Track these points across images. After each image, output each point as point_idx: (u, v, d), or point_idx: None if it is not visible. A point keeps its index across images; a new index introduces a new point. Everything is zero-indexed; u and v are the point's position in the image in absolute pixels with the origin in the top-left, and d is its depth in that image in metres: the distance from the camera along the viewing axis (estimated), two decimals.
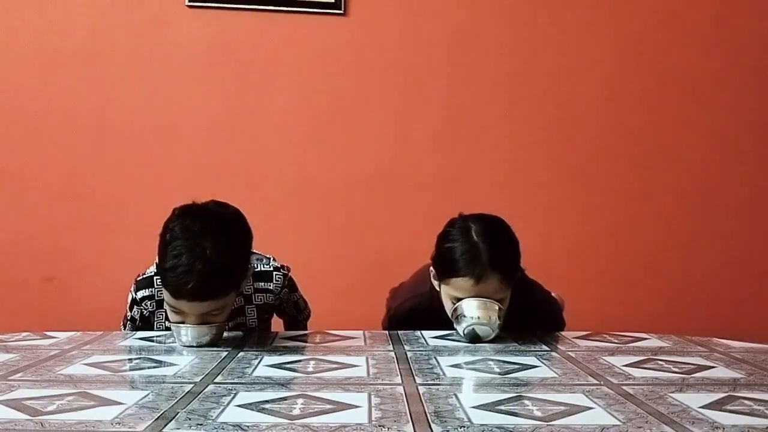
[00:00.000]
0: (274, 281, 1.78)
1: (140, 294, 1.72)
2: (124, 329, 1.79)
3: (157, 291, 1.69)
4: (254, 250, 1.73)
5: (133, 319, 1.76)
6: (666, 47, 2.96)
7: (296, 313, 1.91)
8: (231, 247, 1.51)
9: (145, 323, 1.76)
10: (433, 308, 1.73)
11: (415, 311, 1.80)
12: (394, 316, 1.86)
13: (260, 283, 1.76)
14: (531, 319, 1.74)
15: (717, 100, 2.98)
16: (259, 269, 1.76)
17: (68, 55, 2.76)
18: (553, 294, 1.94)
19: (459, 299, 1.62)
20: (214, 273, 1.46)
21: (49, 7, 2.75)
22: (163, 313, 1.69)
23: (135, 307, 1.74)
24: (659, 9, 2.95)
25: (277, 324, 1.96)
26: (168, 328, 1.70)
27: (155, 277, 1.69)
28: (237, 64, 2.82)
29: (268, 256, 1.81)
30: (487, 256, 1.59)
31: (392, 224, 2.87)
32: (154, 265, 1.66)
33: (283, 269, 1.81)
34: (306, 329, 1.94)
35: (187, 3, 2.77)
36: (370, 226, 2.87)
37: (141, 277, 1.73)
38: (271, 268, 1.79)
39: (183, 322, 1.52)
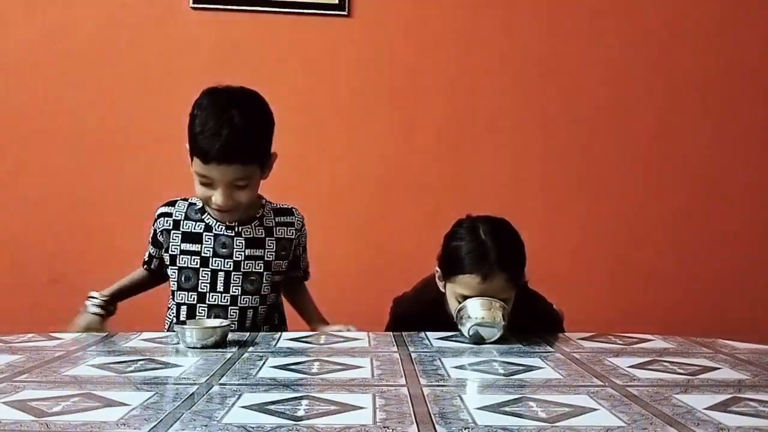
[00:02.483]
0: (295, 215, 1.87)
1: (161, 210, 1.82)
2: (143, 266, 1.89)
3: (176, 211, 1.80)
4: None
5: (150, 257, 1.87)
6: (671, 48, 2.96)
7: (307, 264, 1.96)
8: (256, 116, 1.68)
9: (159, 261, 1.85)
10: (438, 316, 1.74)
11: (421, 317, 1.80)
12: (399, 323, 1.86)
13: (281, 217, 1.84)
14: (534, 328, 1.74)
15: (723, 101, 2.97)
16: (278, 206, 1.86)
17: (72, 57, 2.77)
18: (554, 306, 1.94)
19: (465, 297, 1.62)
20: (241, 134, 1.60)
21: (53, 8, 2.76)
22: (179, 235, 1.78)
23: (154, 230, 1.82)
24: (664, 9, 2.95)
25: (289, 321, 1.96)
26: (171, 329, 1.71)
27: (179, 201, 1.83)
28: (241, 65, 2.82)
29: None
30: (494, 255, 1.61)
31: (397, 226, 2.87)
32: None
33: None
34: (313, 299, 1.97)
35: (191, 5, 2.77)
36: (375, 227, 2.88)
37: (168, 201, 1.85)
38: (291, 207, 1.89)
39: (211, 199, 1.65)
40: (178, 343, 1.54)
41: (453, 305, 1.66)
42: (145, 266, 1.89)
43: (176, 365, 1.34)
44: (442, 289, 1.73)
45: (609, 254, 2.94)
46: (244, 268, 1.78)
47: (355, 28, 2.85)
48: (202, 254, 1.78)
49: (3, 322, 2.64)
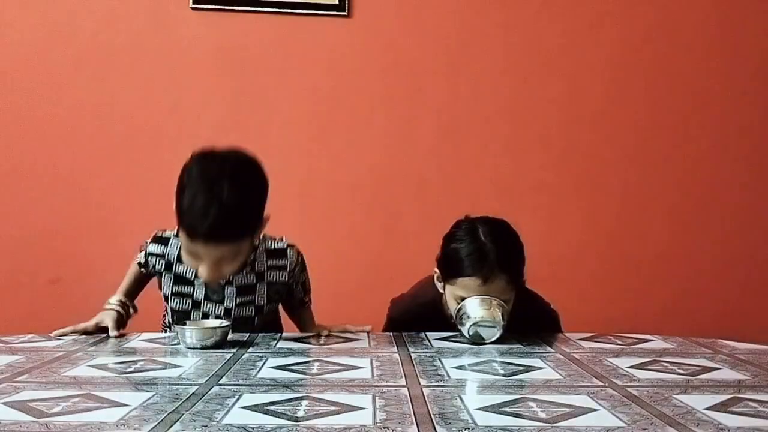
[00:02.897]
0: (289, 257, 1.76)
1: (153, 248, 1.72)
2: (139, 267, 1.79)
3: (169, 252, 1.71)
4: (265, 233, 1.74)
5: (141, 263, 1.78)
6: (668, 49, 2.96)
7: (303, 294, 1.88)
8: (247, 190, 1.53)
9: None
10: (437, 316, 1.73)
11: (418, 319, 1.79)
12: (397, 324, 1.85)
13: (274, 260, 1.74)
14: (532, 327, 1.74)
15: (720, 101, 2.97)
16: (272, 247, 1.75)
17: (72, 58, 2.77)
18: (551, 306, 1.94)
19: (464, 299, 1.62)
20: (230, 214, 1.47)
21: (53, 9, 2.76)
22: (171, 277, 1.72)
23: (146, 261, 1.75)
24: (661, 11, 2.95)
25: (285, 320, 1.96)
26: (168, 327, 1.71)
27: (172, 239, 1.70)
28: (240, 66, 2.82)
29: (276, 237, 1.81)
30: (494, 257, 1.61)
31: (396, 226, 2.87)
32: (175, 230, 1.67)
33: (296, 246, 1.80)
34: (312, 313, 1.92)
35: (191, 5, 2.77)
36: (374, 227, 2.87)
37: (160, 234, 1.74)
38: (285, 245, 1.77)
39: (197, 274, 1.55)
40: (177, 344, 1.54)
41: (453, 306, 1.65)
42: (142, 269, 1.83)
43: (176, 366, 1.34)
44: (441, 290, 1.73)
45: (608, 254, 2.94)
46: (235, 314, 1.73)
47: (354, 29, 2.85)
48: (194, 298, 1.73)
49: (2, 322, 2.65)
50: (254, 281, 1.73)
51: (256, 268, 1.72)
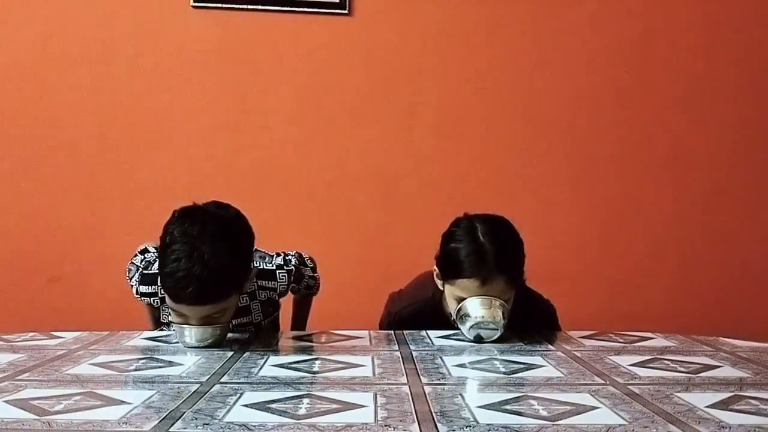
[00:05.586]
0: (278, 280, 1.76)
1: (143, 289, 1.71)
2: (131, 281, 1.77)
3: (160, 289, 1.67)
4: (259, 248, 1.73)
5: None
6: (669, 48, 2.95)
7: (306, 288, 1.90)
8: (230, 251, 1.50)
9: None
10: (436, 314, 1.73)
11: (417, 317, 1.79)
12: (394, 321, 1.84)
13: (263, 281, 1.74)
14: (529, 322, 1.73)
15: (719, 100, 2.97)
16: (262, 267, 1.74)
17: (73, 56, 2.77)
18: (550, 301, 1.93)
19: (464, 299, 1.61)
20: (213, 277, 1.45)
21: (54, 8, 2.75)
22: (168, 308, 1.68)
23: (135, 293, 1.74)
24: (662, 11, 2.94)
25: (283, 318, 1.96)
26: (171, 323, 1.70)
27: (159, 275, 1.66)
28: (242, 64, 2.82)
29: (271, 253, 1.80)
30: (493, 258, 1.59)
31: (397, 224, 2.87)
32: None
33: (287, 265, 1.78)
34: (309, 306, 1.94)
35: (192, 3, 2.77)
36: (375, 225, 2.87)
37: (145, 271, 1.71)
38: (274, 267, 1.76)
39: (186, 323, 1.52)
40: (179, 342, 1.54)
41: (452, 306, 1.65)
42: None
43: (178, 364, 1.34)
44: (441, 288, 1.72)
45: (609, 252, 2.94)
46: (233, 333, 1.70)
47: (355, 27, 2.85)
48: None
49: (3, 320, 2.65)
50: (247, 302, 1.73)
51: (247, 290, 1.70)
